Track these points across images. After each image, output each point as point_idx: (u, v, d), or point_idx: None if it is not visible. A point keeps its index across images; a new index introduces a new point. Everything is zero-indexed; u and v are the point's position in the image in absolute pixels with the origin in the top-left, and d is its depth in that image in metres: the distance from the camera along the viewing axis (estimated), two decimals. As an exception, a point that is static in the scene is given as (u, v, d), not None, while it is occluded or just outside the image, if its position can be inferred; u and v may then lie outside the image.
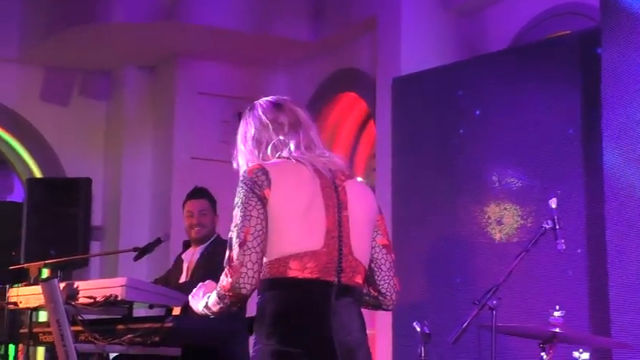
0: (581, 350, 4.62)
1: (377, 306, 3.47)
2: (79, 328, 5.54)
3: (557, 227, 4.68)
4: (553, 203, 4.74)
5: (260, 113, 3.46)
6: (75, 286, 5.57)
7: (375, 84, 8.56)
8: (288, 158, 3.27)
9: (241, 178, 3.21)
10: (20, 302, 5.76)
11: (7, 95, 9.72)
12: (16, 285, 5.95)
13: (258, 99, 3.58)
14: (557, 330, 4.39)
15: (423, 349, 5.20)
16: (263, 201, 3.14)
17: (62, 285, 5.44)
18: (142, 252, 6.24)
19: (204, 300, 3.27)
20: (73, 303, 5.46)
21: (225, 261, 3.15)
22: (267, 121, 3.39)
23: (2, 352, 7.26)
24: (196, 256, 6.48)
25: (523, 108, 6.78)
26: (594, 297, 5.97)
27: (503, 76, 7.03)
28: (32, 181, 8.94)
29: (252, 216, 3.12)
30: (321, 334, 3.07)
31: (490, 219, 6.81)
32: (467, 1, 8.26)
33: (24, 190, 8.92)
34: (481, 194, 6.97)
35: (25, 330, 5.85)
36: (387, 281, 3.45)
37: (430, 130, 7.57)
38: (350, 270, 3.19)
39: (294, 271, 3.09)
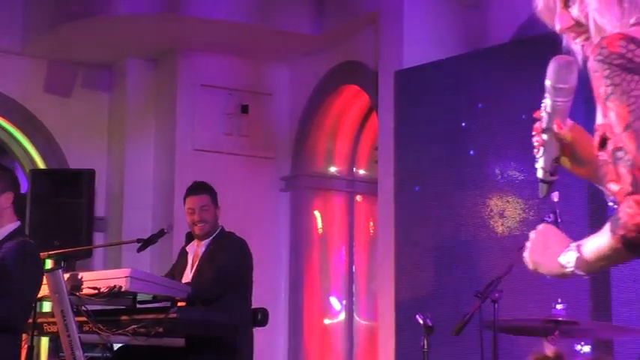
0: (582, 343, 4.64)
1: None
2: (84, 318, 5.57)
3: (559, 220, 4.68)
4: (555, 197, 4.73)
5: None
6: (79, 276, 5.61)
7: (377, 77, 8.58)
8: None
9: (599, 57, 2.13)
10: (25, 293, 5.79)
11: (11, 87, 9.74)
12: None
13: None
14: (561, 319, 4.41)
15: (425, 341, 5.22)
16: None
17: (67, 276, 5.48)
18: (145, 243, 6.27)
19: (569, 256, 2.22)
20: (78, 293, 5.50)
21: (627, 185, 2.09)
22: None
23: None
24: (202, 249, 6.49)
25: (525, 101, 6.79)
26: (596, 290, 6.00)
27: (505, 69, 7.05)
28: (36, 172, 8.97)
29: None
30: None
31: (493, 212, 6.84)
32: (469, -7, 8.27)
33: (27, 182, 8.95)
34: (484, 187, 7.00)
35: (30, 320, 5.88)
36: None
37: (432, 122, 7.60)
38: None
39: None
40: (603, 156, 2.16)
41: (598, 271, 2.22)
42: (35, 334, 5.89)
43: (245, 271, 6.43)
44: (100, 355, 6.10)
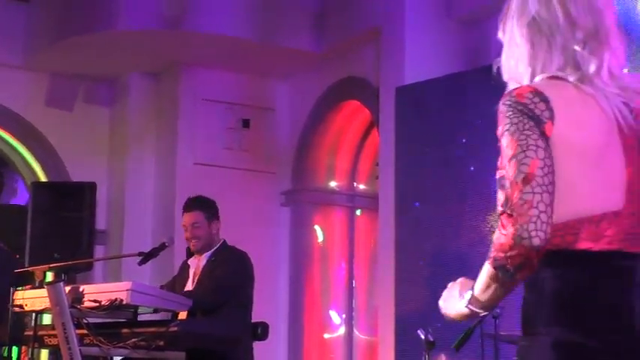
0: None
1: None
2: (84, 331, 5.57)
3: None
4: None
5: None
6: (80, 289, 5.61)
7: (378, 93, 8.61)
8: (566, 80, 2.36)
9: (507, 102, 2.37)
10: (26, 305, 5.80)
11: (14, 101, 9.78)
12: (21, 288, 5.98)
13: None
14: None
15: (426, 356, 5.22)
16: (544, 137, 2.28)
17: (68, 288, 5.48)
18: (146, 257, 6.26)
19: (466, 296, 2.41)
20: (79, 306, 5.50)
21: (499, 206, 2.36)
22: (559, 13, 2.38)
23: (6, 354, 7.29)
24: (203, 262, 6.50)
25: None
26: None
27: (505, 86, 7.07)
28: (37, 185, 8.95)
29: (537, 146, 2.27)
30: (622, 324, 2.27)
31: (493, 227, 6.85)
32: (470, 11, 8.30)
33: (29, 194, 8.96)
34: (484, 203, 7.01)
35: (30, 332, 5.89)
36: None
37: (432, 139, 7.62)
38: None
39: (586, 242, 2.27)
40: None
41: (491, 305, 2.38)
42: (35, 346, 5.90)
43: (245, 284, 6.44)
44: (101, 368, 6.09)
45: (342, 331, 9.77)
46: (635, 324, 2.27)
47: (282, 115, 10.11)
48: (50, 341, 5.97)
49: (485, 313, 2.42)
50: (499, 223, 2.30)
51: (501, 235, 2.28)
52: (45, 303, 5.53)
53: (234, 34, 9.15)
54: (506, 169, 2.33)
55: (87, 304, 5.52)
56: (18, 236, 8.37)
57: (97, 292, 5.60)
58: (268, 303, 8.89)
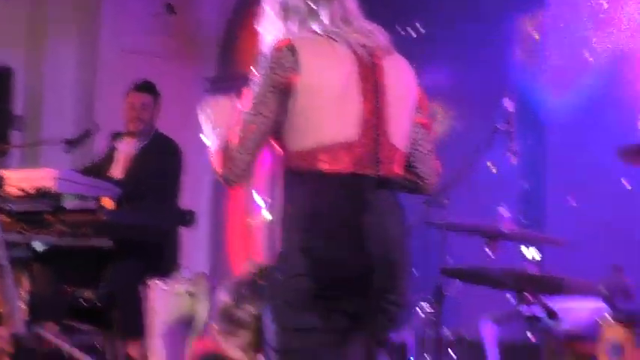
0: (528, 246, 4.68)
1: (415, 190, 3.15)
2: (6, 219, 5.40)
3: (512, 130, 4.58)
4: (510, 107, 4.63)
5: None
6: (1, 175, 5.42)
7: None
8: (316, 33, 2.94)
9: (268, 52, 2.89)
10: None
11: None
12: None
13: None
14: (503, 228, 4.41)
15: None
16: (283, 91, 2.84)
17: (-13, 174, 5.30)
18: (72, 143, 6.12)
19: (211, 137, 3.06)
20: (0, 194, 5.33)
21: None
22: None
23: None
24: (134, 149, 6.39)
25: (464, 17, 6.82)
26: (529, 196, 6.08)
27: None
28: (-51, 69, 8.68)
29: (260, 113, 2.87)
30: (354, 231, 2.83)
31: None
32: None
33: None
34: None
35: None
36: (427, 163, 3.08)
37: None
38: (387, 160, 2.92)
39: (325, 164, 2.84)
40: None
41: None
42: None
43: (177, 175, 6.41)
44: (23, 255, 5.92)
45: (265, 215, 9.75)
46: (364, 235, 2.81)
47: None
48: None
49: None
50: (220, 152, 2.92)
51: (216, 164, 2.92)
52: (-36, 188, 5.34)
53: None
54: (244, 115, 2.88)
55: (10, 190, 5.34)
56: None
57: (20, 178, 5.43)
58: (191, 189, 8.78)
